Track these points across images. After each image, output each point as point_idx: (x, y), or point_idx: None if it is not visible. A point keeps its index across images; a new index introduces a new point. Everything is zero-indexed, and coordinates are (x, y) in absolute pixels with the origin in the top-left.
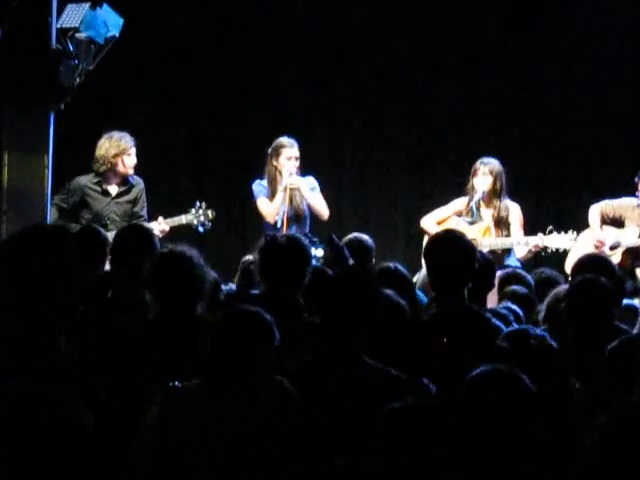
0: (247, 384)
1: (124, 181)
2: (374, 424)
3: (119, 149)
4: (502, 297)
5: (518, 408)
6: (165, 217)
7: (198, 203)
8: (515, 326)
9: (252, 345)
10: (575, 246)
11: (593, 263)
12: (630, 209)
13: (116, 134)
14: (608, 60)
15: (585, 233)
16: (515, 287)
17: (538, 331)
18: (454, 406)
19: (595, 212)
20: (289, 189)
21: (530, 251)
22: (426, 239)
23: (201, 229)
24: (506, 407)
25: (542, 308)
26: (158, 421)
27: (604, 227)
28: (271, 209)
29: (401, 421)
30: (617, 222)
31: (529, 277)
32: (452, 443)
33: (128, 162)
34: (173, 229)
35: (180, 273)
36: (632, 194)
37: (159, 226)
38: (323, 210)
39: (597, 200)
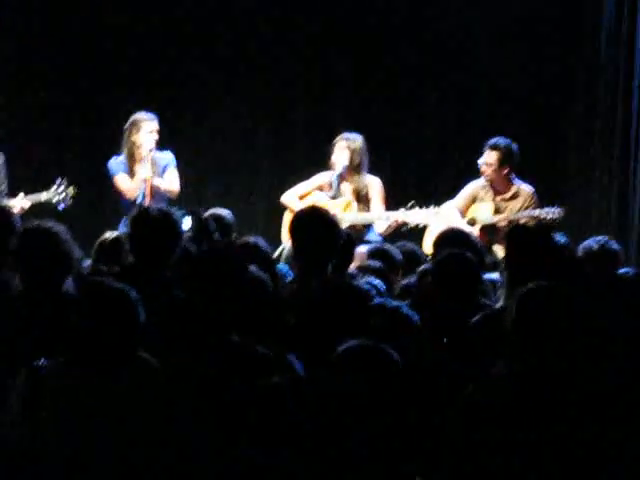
0: (112, 362)
1: None
2: (243, 402)
3: None
4: (359, 270)
5: (386, 381)
6: (26, 193)
7: (59, 180)
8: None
9: (116, 322)
10: (434, 223)
11: (455, 237)
12: (478, 191)
13: None
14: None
15: (432, 217)
16: (371, 262)
17: (395, 303)
18: (320, 383)
19: (455, 213)
20: (150, 167)
21: (391, 226)
22: (287, 214)
23: (61, 206)
24: (374, 381)
25: (404, 282)
26: (21, 402)
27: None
28: (131, 185)
29: (268, 400)
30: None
31: (396, 252)
32: (319, 421)
33: None
34: (34, 205)
35: (47, 248)
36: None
37: (20, 202)
38: (172, 188)
39: (458, 179)
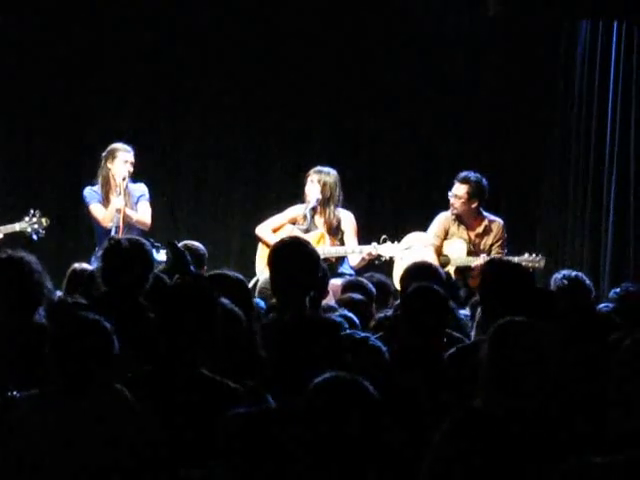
0: (86, 393)
1: None
2: (212, 435)
3: None
4: (340, 304)
5: (362, 413)
6: None
7: (32, 211)
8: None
9: (90, 354)
10: (405, 257)
11: (421, 271)
12: (448, 223)
13: None
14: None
15: (403, 252)
16: (352, 294)
17: (363, 334)
18: (294, 414)
19: (429, 251)
20: (124, 194)
21: (364, 259)
22: (261, 247)
23: (35, 237)
24: (350, 413)
25: (380, 315)
26: None
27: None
28: (105, 215)
29: (237, 430)
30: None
31: (370, 285)
32: (293, 451)
33: None
34: (5, 236)
35: (19, 278)
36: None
37: None
38: (144, 220)
39: (432, 213)
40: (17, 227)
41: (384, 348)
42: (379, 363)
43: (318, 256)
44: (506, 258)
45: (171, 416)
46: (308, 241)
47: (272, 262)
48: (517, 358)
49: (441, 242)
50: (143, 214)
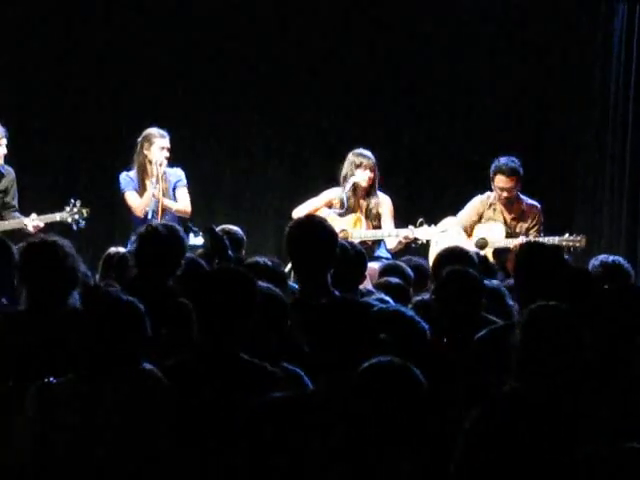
0: (121, 375)
1: None
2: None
3: None
4: (377, 288)
5: (412, 401)
6: (38, 214)
7: (72, 200)
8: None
9: (125, 335)
10: (441, 241)
11: (453, 256)
12: (483, 207)
13: None
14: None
15: (439, 235)
16: (389, 278)
17: (395, 307)
18: (341, 399)
19: (460, 232)
20: (161, 180)
21: (400, 242)
22: None
23: (75, 227)
24: (400, 400)
25: (417, 298)
26: (34, 422)
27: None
28: (140, 202)
29: (281, 415)
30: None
31: (408, 269)
32: (333, 437)
33: None
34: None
35: (51, 262)
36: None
37: (32, 222)
38: (184, 209)
39: (468, 195)
40: (57, 217)
41: (418, 319)
42: (415, 334)
43: (333, 233)
44: (541, 240)
45: (211, 400)
46: (324, 219)
47: (288, 242)
48: (549, 342)
49: (472, 224)
50: (182, 202)
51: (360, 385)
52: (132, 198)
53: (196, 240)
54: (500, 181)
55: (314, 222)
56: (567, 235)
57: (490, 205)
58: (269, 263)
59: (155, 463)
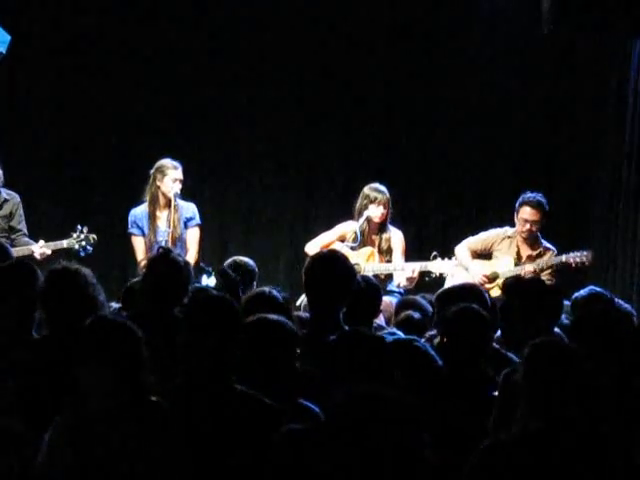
0: (125, 404)
1: None
2: (251, 451)
3: None
4: (397, 323)
5: (402, 430)
6: (46, 240)
7: (80, 227)
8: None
9: (138, 370)
10: (456, 274)
11: (463, 292)
12: (497, 241)
13: None
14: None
15: (454, 268)
16: (410, 312)
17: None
18: (332, 429)
19: (463, 250)
20: (173, 213)
21: (408, 279)
22: None
23: (82, 253)
24: (373, 429)
25: (430, 333)
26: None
27: (473, 261)
28: (140, 253)
29: (288, 449)
30: (484, 256)
31: (426, 304)
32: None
33: None
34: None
35: (74, 290)
36: (506, 223)
37: (40, 249)
38: (191, 249)
39: (482, 228)
40: (65, 244)
41: (431, 351)
42: (426, 364)
43: (352, 269)
44: (556, 263)
45: (203, 431)
46: (344, 254)
47: (306, 273)
48: (553, 376)
49: (481, 247)
50: (191, 249)
51: (333, 415)
52: (135, 243)
53: (209, 281)
54: (525, 212)
55: (335, 257)
56: (572, 253)
57: (506, 238)
58: (274, 293)
59: None
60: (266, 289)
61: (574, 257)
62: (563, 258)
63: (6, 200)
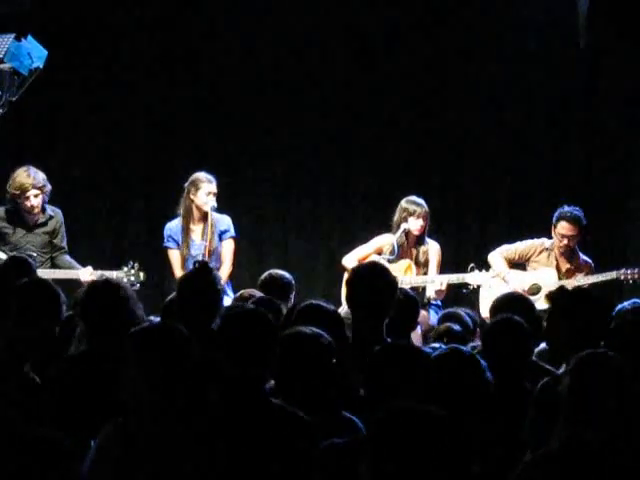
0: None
1: (42, 212)
2: (284, 466)
3: (18, 189)
4: (438, 334)
5: (444, 447)
6: (95, 268)
7: (131, 262)
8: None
9: (175, 387)
10: (493, 285)
11: (510, 302)
12: (535, 252)
13: (25, 172)
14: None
15: (492, 280)
16: (451, 324)
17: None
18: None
19: (499, 260)
20: (210, 227)
21: (438, 292)
22: (346, 277)
23: None
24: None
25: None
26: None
27: (510, 272)
28: (177, 265)
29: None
30: (519, 266)
31: (467, 317)
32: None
33: (27, 203)
34: None
35: (115, 302)
36: (542, 235)
37: (88, 276)
38: (227, 272)
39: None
40: (114, 275)
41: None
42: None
43: (395, 281)
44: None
45: (239, 446)
46: (386, 267)
47: (349, 285)
48: (598, 389)
49: (517, 256)
50: (226, 262)
51: (372, 431)
52: (171, 256)
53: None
54: (563, 228)
55: (377, 269)
56: (624, 269)
57: (544, 250)
58: (322, 304)
59: None
60: (313, 302)
61: (625, 274)
62: (614, 274)
63: (51, 217)
